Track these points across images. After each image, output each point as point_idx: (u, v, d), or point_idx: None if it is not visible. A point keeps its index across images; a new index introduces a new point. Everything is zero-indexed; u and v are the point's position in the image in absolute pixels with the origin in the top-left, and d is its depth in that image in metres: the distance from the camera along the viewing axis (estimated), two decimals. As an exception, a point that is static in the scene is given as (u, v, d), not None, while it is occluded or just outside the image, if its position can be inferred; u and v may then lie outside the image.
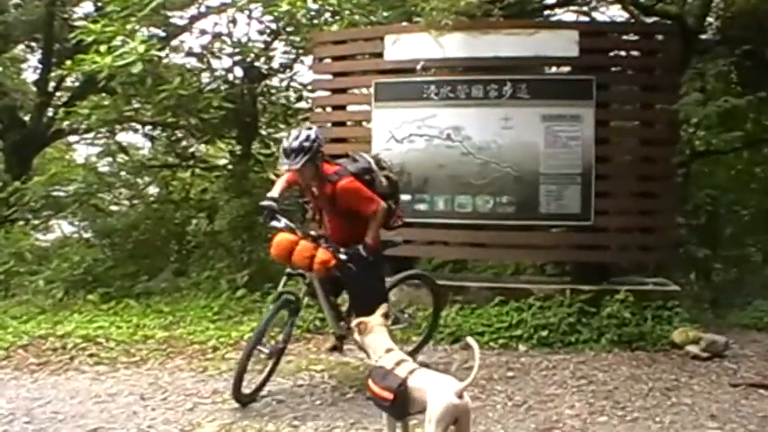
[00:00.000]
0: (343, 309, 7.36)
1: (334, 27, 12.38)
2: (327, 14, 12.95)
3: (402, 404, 4.91)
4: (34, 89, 17.84)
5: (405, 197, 9.34)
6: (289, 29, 13.00)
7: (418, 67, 9.76)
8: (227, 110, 11.81)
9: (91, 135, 17.28)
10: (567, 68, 10.36)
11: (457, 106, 9.66)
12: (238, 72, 13.16)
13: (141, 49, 10.32)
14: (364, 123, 10.34)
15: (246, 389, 6.66)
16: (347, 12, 12.36)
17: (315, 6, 12.26)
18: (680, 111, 9.69)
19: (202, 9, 13.73)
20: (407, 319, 7.95)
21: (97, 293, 11.01)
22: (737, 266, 11.97)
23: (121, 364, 8.10)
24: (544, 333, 8.75)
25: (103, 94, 13.55)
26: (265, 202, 6.93)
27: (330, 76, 10.54)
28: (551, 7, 13.83)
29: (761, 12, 10.73)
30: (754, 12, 10.90)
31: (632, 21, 12.67)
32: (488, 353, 8.24)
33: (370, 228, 6.87)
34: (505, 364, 7.99)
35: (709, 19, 12.53)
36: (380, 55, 10.08)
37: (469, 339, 5.09)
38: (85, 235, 14.19)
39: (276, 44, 13.69)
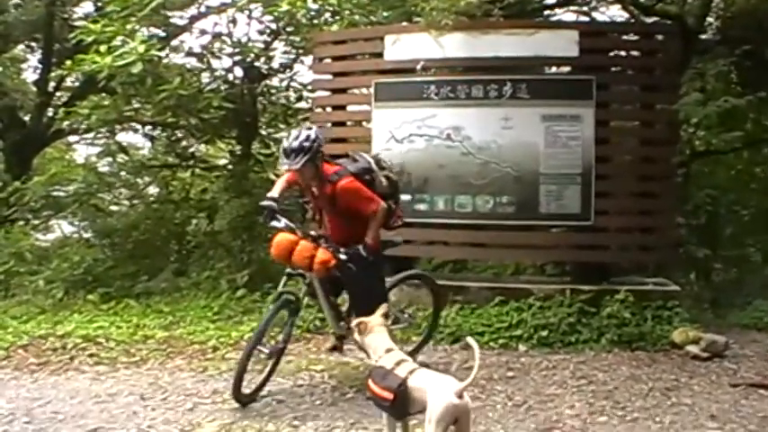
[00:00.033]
0: (344, 309, 7.35)
1: (334, 27, 12.39)
2: (327, 14, 12.95)
3: (402, 404, 4.91)
4: (34, 89, 17.84)
5: (405, 197, 9.34)
6: (289, 29, 13.01)
7: (418, 67, 9.76)
8: (227, 110, 11.81)
9: (91, 135, 17.28)
10: (567, 68, 10.36)
11: (457, 106, 9.66)
12: (238, 72, 13.18)
13: (141, 49, 10.33)
14: (364, 123, 10.34)
15: (246, 389, 6.66)
16: (347, 12, 12.36)
17: (315, 6, 12.26)
18: (680, 111, 9.70)
19: (202, 9, 13.75)
20: (407, 319, 7.95)
21: (97, 293, 11.01)
22: (737, 266, 11.97)
23: (121, 364, 8.10)
24: (544, 333, 8.75)
25: (103, 94, 13.55)
26: (265, 202, 6.93)
27: (330, 76, 10.55)
28: (551, 7, 13.84)
29: (761, 12, 10.73)
30: (754, 12, 10.90)
31: (632, 21, 12.68)
32: (488, 353, 8.24)
33: (370, 227, 6.87)
34: (505, 364, 7.99)
35: (710, 19, 12.53)
36: (380, 55, 10.08)
37: (469, 339, 5.09)
38: (85, 235, 14.19)
39: (276, 44, 13.71)
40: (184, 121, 12.96)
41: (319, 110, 10.81)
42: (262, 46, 13.28)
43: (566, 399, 6.88)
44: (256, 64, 13.12)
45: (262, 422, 6.26)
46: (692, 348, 8.24)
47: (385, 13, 12.25)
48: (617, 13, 13.96)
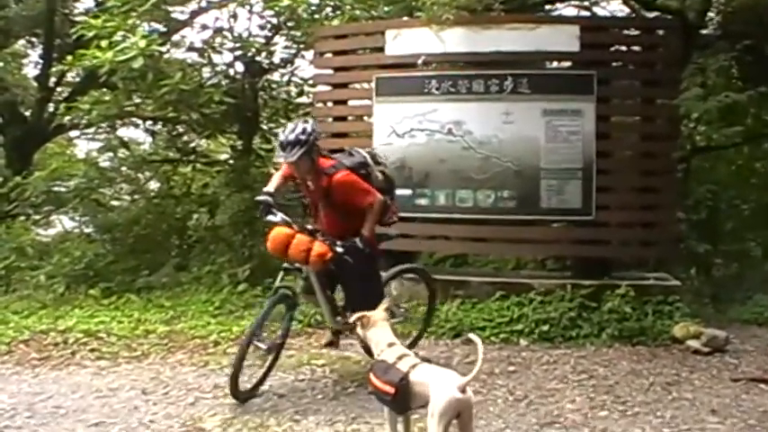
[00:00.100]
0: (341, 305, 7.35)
1: (335, 22, 12.39)
2: (328, 9, 12.98)
3: (403, 398, 4.92)
4: (35, 84, 17.86)
5: (406, 192, 9.44)
6: (290, 24, 13.00)
7: (419, 61, 9.76)
8: (228, 105, 11.80)
9: (92, 130, 17.33)
10: (567, 63, 10.34)
11: (458, 101, 9.67)
12: (239, 67, 13.16)
13: (142, 44, 10.32)
14: (365, 118, 10.33)
15: (246, 385, 6.67)
16: (348, 6, 12.38)
17: (315, 1, 12.32)
18: (681, 106, 9.70)
19: (203, 4, 13.74)
20: (403, 314, 7.92)
21: (98, 288, 11.01)
22: (738, 261, 11.96)
23: (123, 358, 8.10)
24: (545, 328, 8.75)
25: (104, 90, 13.55)
26: (261, 197, 6.94)
27: (331, 71, 10.56)
28: (552, 2, 13.81)
29: (761, 7, 10.71)
30: (755, 7, 10.88)
31: (633, 16, 12.71)
32: (489, 347, 8.23)
33: (366, 220, 6.85)
34: (506, 358, 8.00)
35: (710, 14, 12.51)
36: (381, 50, 10.09)
37: (472, 336, 5.10)
38: (86, 230, 14.21)
39: (277, 39, 13.73)
40: (185, 116, 12.94)
41: (320, 105, 10.82)
42: (263, 41, 13.29)
43: (567, 393, 6.89)
44: (257, 59, 13.12)
45: (263, 416, 6.27)
46: (693, 343, 8.24)
47: (386, 8, 12.25)
48: (618, 8, 14.00)
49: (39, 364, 7.92)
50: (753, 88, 10.38)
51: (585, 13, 13.90)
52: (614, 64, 10.11)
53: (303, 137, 6.62)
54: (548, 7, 13.66)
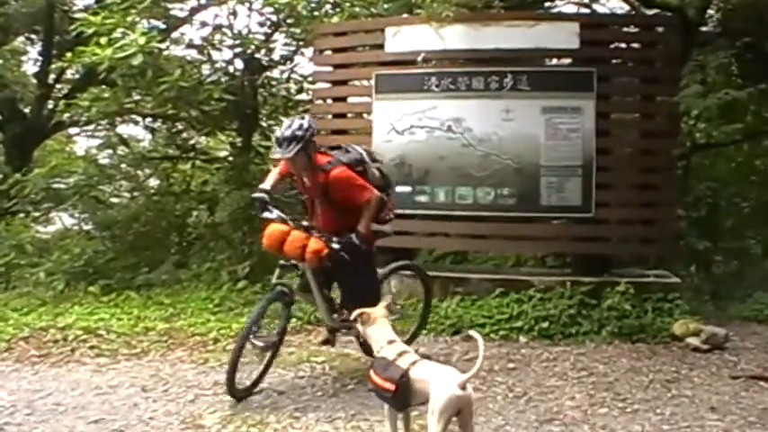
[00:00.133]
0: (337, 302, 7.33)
1: (335, 19, 12.40)
2: (328, 6, 13.00)
3: (404, 395, 4.93)
4: (34, 81, 17.85)
5: (406, 189, 9.46)
6: (289, 21, 13.00)
7: (419, 58, 9.77)
8: (227, 102, 11.80)
9: (91, 127, 17.37)
10: (567, 60, 10.33)
11: (458, 98, 9.68)
12: (239, 64, 13.17)
13: (142, 41, 10.31)
14: (365, 115, 10.34)
15: (244, 382, 6.64)
16: (348, 4, 12.41)
17: (315, -3, 12.30)
18: (680, 103, 9.71)
19: (203, 1, 13.77)
20: (398, 311, 7.89)
21: (98, 285, 11.01)
22: (738, 259, 11.97)
23: (122, 355, 8.11)
24: (545, 325, 8.75)
25: (104, 87, 13.50)
26: (257, 194, 6.94)
27: (331, 68, 10.56)
28: (552, -1, 13.84)
29: (761, 4, 10.70)
30: (755, 4, 10.87)
31: (633, 13, 12.68)
32: (489, 344, 8.21)
33: (363, 216, 6.82)
34: (506, 355, 8.00)
35: (710, 11, 12.50)
36: (381, 47, 10.09)
37: (473, 332, 5.10)
38: (86, 227, 14.21)
39: (277, 36, 13.72)
40: (185, 113, 12.96)
41: (320, 102, 10.82)
42: (262, 38, 13.28)
43: (566, 390, 6.88)
44: (257, 56, 13.13)
45: (263, 413, 6.27)
46: (693, 340, 8.24)
47: (386, 5, 12.25)
48: (617, 5, 13.98)
49: (38, 362, 7.92)
50: (752, 85, 10.39)
51: (585, 11, 13.90)
52: (614, 61, 10.12)
53: (300, 133, 6.61)
54: (547, 4, 13.69)
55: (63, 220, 16.34)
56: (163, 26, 12.89)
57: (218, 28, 12.85)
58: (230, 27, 12.74)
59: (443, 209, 9.74)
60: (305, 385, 7.05)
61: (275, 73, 14.20)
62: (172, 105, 12.35)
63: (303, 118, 6.91)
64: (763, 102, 11.51)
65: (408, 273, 8.46)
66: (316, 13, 12.74)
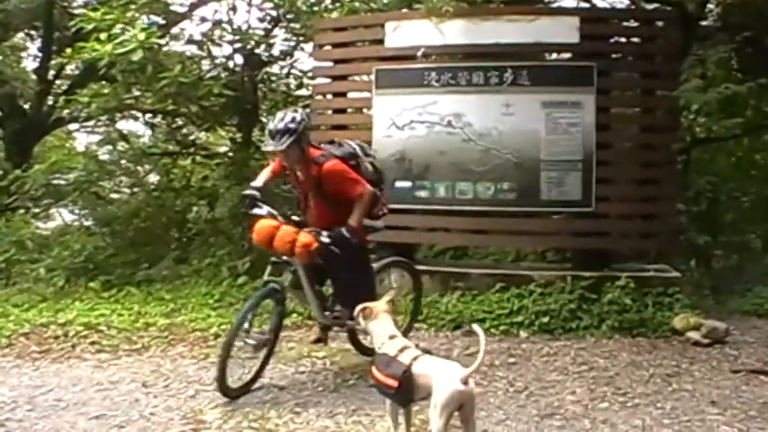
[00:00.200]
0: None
1: (335, 14, 12.41)
2: (327, 1, 13.02)
3: (407, 391, 4.93)
4: (34, 77, 17.83)
5: (406, 184, 9.47)
6: (289, 16, 13.03)
7: (419, 53, 9.77)
8: (227, 97, 11.81)
9: (91, 123, 17.36)
10: (567, 55, 10.33)
11: (458, 93, 9.67)
12: (239, 59, 13.17)
13: (141, 36, 10.32)
14: (365, 110, 10.35)
15: (238, 381, 6.59)
16: (347, -1, 12.38)
17: (314, -7, 12.30)
18: (680, 97, 9.67)
19: (202, -3, 13.76)
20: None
21: (98, 281, 11.02)
22: (738, 253, 11.96)
23: (123, 351, 8.11)
24: (545, 319, 8.75)
25: (104, 82, 13.52)
26: (247, 191, 6.93)
27: (331, 63, 10.56)
28: (551, -7, 13.81)
29: (761, -1, 10.71)
30: (755, -2, 10.88)
31: (633, 7, 12.67)
32: (490, 339, 8.14)
33: (355, 210, 6.78)
34: (507, 350, 8.00)
35: (710, 5, 12.48)
36: (381, 42, 10.09)
37: (475, 326, 5.07)
38: (86, 223, 14.23)
39: (276, 31, 13.75)
40: (185, 108, 12.95)
41: (320, 97, 10.79)
42: (262, 33, 13.31)
43: (567, 385, 6.89)
44: (257, 51, 13.12)
45: (264, 409, 6.27)
46: (693, 335, 8.25)
47: (385, 0, 12.23)
48: (617, 0, 13.96)
49: (39, 357, 7.92)
50: (753, 80, 10.36)
51: (585, 5, 13.86)
52: (614, 55, 10.10)
53: (292, 125, 6.59)
54: (547, -1, 13.66)
55: (63, 216, 16.31)
56: (162, 22, 12.91)
57: (217, 23, 12.87)
58: (230, 22, 12.78)
59: (443, 204, 9.73)
60: (306, 381, 7.05)
61: (275, 68, 14.22)
62: (172, 101, 12.36)
63: (296, 111, 6.88)
64: (763, 96, 11.48)
65: (397, 268, 8.42)
66: (315, 9, 12.76)
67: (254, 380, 6.78)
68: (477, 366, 4.73)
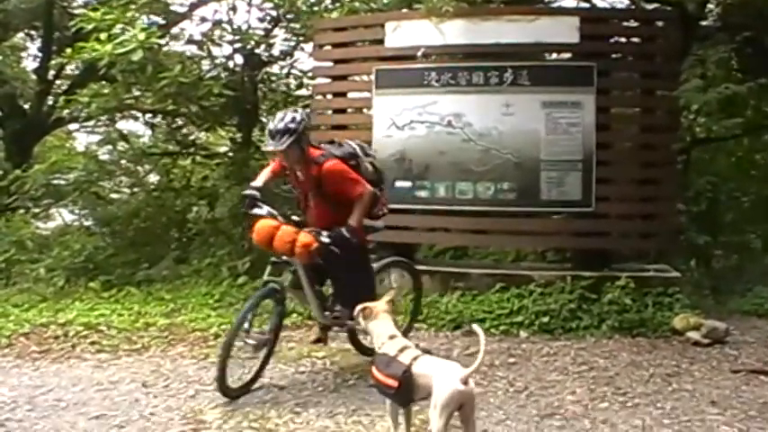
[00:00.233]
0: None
1: (335, 14, 12.41)
2: (327, 1, 13.02)
3: (407, 391, 4.93)
4: (34, 77, 17.83)
5: (406, 184, 9.48)
6: (289, 16, 13.03)
7: (419, 53, 9.77)
8: (227, 97, 11.81)
9: (91, 123, 17.36)
10: (567, 55, 10.33)
11: (458, 93, 9.67)
12: (239, 59, 13.18)
13: (141, 36, 10.32)
14: (365, 110, 10.35)
15: (238, 382, 6.58)
16: (347, -1, 12.38)
17: (314, -7, 12.30)
18: (680, 97, 9.68)
19: (202, -4, 13.77)
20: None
21: (98, 281, 11.02)
22: (738, 253, 11.96)
23: (123, 351, 8.11)
24: (545, 319, 8.75)
25: (104, 82, 13.52)
26: (247, 191, 6.93)
27: (331, 63, 10.56)
28: (551, -7, 13.81)
29: (761, -1, 10.72)
30: (755, -1, 10.88)
31: (633, 7, 12.67)
32: (490, 339, 8.13)
33: (354, 210, 6.76)
34: (507, 350, 8.00)
35: (710, 5, 12.48)
36: (381, 42, 10.09)
37: (475, 326, 5.07)
38: (86, 223, 14.23)
39: (276, 31, 13.75)
40: (185, 108, 12.95)
41: (320, 97, 10.79)
42: (262, 33, 13.32)
43: (567, 385, 6.89)
44: (257, 51, 13.12)
45: (264, 409, 6.27)
46: (693, 335, 8.25)
47: (385, 0, 12.22)
48: (617, 0, 13.96)
49: (39, 357, 7.92)
50: (753, 80, 10.36)
51: (585, 5, 13.86)
52: (614, 56, 10.10)
53: (292, 125, 6.59)
54: (547, -1, 13.66)
55: (63, 216, 16.31)
56: (162, 22, 12.91)
57: (217, 23, 12.87)
58: (230, 22, 12.78)
59: (444, 204, 9.73)
60: (306, 380, 7.05)
61: (275, 68, 14.23)
62: (172, 101, 12.37)
63: (296, 110, 6.88)
64: (763, 96, 11.48)
65: (397, 269, 8.40)
66: (315, 9, 12.76)
67: (254, 380, 6.77)
68: (477, 366, 4.73)
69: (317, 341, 7.77)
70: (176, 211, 13.34)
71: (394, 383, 4.92)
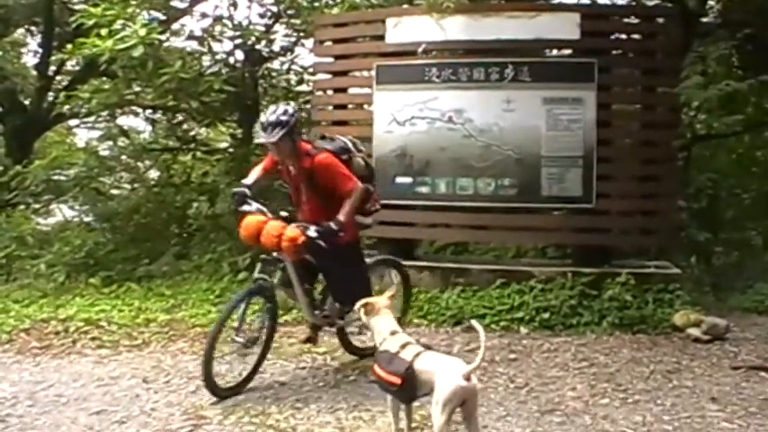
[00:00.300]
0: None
1: (335, 10, 12.39)
2: (328, -3, 12.97)
3: (410, 388, 4.94)
4: (35, 73, 17.84)
5: (407, 179, 9.47)
6: (290, 12, 13.02)
7: (420, 49, 9.76)
8: (228, 93, 11.78)
9: (92, 119, 17.37)
10: (568, 51, 10.32)
11: (458, 89, 9.67)
12: (239, 55, 13.16)
13: (142, 32, 10.29)
14: (366, 106, 10.32)
15: (229, 381, 6.57)
16: (348, -6, 12.36)
17: (315, -11, 12.28)
18: (681, 94, 9.71)
19: (203, -8, 13.75)
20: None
21: (99, 277, 11.02)
22: (738, 250, 11.95)
23: (124, 347, 8.13)
24: (545, 315, 8.76)
25: (104, 78, 13.51)
26: (237, 189, 6.96)
27: (331, 59, 10.55)
28: (552, -11, 13.79)
29: (761, -5, 10.72)
30: (755, -5, 10.89)
31: (633, 3, 12.70)
32: (490, 335, 8.19)
33: (345, 205, 6.66)
34: (507, 346, 8.01)
35: (711, 2, 12.51)
36: (382, 38, 10.07)
37: (474, 323, 5.08)
38: (86, 219, 14.26)
39: (277, 27, 13.73)
40: (185, 104, 12.95)
41: (320, 93, 10.81)
42: (263, 29, 13.28)
43: (567, 381, 6.90)
44: (257, 47, 13.12)
45: (264, 404, 6.28)
46: (693, 331, 8.25)
47: (386, -4, 12.22)
48: (618, -4, 13.94)
49: (40, 353, 7.94)
50: (753, 77, 10.38)
51: (586, 1, 13.82)
52: (615, 52, 10.09)
53: (284, 118, 6.56)
54: (548, -5, 13.64)
55: (63, 211, 16.35)
56: (163, 17, 12.90)
57: (218, 19, 12.85)
58: (230, 18, 12.75)
59: (444, 200, 9.74)
60: (306, 376, 7.07)
61: (276, 64, 14.21)
62: (172, 97, 12.34)
63: (288, 104, 6.92)
64: (764, 93, 11.48)
65: (385, 266, 8.30)
66: (316, 4, 12.75)
67: (248, 379, 6.74)
68: (479, 363, 4.73)
69: (308, 341, 7.54)
70: (177, 206, 13.34)
71: (397, 380, 4.93)
